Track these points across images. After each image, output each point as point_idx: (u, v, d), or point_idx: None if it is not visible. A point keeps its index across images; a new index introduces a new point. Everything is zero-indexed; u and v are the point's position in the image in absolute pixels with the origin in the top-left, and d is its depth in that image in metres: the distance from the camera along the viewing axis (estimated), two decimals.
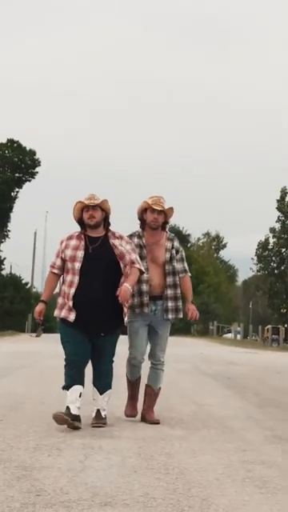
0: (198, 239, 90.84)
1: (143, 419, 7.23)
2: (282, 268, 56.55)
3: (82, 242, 6.95)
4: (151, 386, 7.33)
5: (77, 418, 6.59)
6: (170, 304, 7.26)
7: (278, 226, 57.65)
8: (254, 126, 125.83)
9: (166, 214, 7.30)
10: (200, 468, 5.14)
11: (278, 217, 57.47)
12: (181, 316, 7.32)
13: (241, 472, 5.08)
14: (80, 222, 7.07)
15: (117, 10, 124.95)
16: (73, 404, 6.63)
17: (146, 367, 7.41)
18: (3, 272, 57.19)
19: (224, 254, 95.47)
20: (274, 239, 57.59)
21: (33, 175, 57.21)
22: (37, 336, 7.58)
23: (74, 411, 6.59)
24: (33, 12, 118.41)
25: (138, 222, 7.38)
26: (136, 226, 7.46)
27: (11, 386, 10.46)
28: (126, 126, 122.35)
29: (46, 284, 7.21)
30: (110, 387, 6.93)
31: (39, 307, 7.01)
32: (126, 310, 6.96)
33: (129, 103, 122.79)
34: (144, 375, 7.43)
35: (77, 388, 6.67)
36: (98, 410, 6.86)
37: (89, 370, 6.91)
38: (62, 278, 7.06)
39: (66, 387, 6.73)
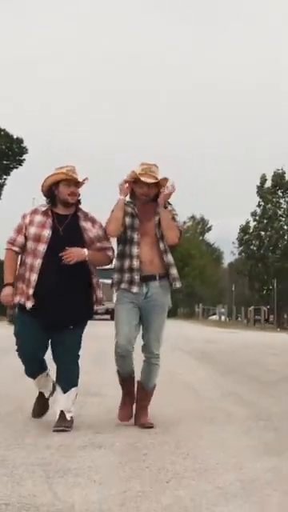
0: (184, 223, 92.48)
1: (135, 423, 6.25)
2: (262, 251, 58.53)
3: (49, 220, 6.03)
4: (143, 383, 6.30)
5: (52, 394, 6.34)
6: (173, 271, 6.22)
7: (259, 210, 59.65)
8: (241, 111, 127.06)
9: (160, 185, 6.16)
10: (168, 413, 6.88)
11: (259, 202, 59.44)
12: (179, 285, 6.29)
13: (194, 413, 6.90)
14: (48, 195, 6.11)
15: None
16: (44, 388, 6.31)
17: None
18: None
19: (209, 236, 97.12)
20: (255, 223, 59.58)
21: (20, 162, 58.29)
22: (10, 321, 7.04)
23: (47, 395, 6.36)
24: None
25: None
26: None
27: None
28: (115, 112, 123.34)
29: (6, 264, 6.14)
30: (75, 384, 6.08)
31: (7, 290, 6.06)
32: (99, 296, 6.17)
33: (118, 87, 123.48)
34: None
35: (42, 375, 6.24)
36: (62, 412, 6.00)
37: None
38: (19, 258, 6.18)
39: (30, 377, 6.26)
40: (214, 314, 66.37)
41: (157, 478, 4.46)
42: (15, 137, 57.68)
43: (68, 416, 6.00)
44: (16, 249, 6.10)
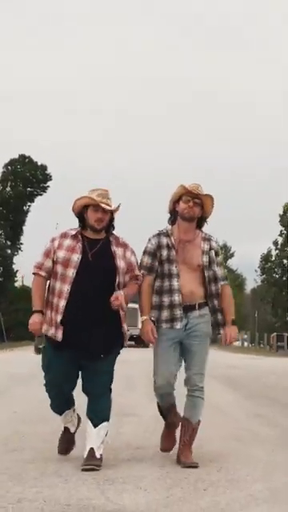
0: None
1: (178, 460, 5.86)
2: (284, 278, 59.01)
3: (79, 244, 5.79)
4: (188, 418, 5.91)
5: (77, 428, 6.08)
6: (221, 317, 6.05)
7: (280, 239, 60.11)
8: (263, 135, 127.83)
9: (204, 206, 6.05)
10: (200, 432, 7.29)
11: (281, 231, 59.82)
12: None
13: (223, 432, 7.50)
14: (79, 217, 5.90)
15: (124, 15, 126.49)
16: (70, 423, 6.02)
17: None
18: (16, 284, 58.93)
19: (232, 262, 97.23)
20: (277, 251, 60.09)
21: (44, 189, 59.19)
22: (39, 353, 6.01)
23: (72, 430, 6.06)
24: (44, 23, 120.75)
25: (168, 215, 6.14)
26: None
27: None
28: (134, 138, 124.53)
29: (33, 290, 5.86)
30: (106, 419, 5.72)
31: (35, 318, 5.73)
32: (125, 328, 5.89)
33: (137, 113, 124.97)
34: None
35: (69, 411, 5.99)
36: (92, 449, 5.62)
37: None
38: (48, 284, 5.90)
39: (57, 413, 6.05)
40: (237, 340, 66.59)
41: (195, 486, 5.08)
42: (39, 164, 58.69)
43: (97, 454, 5.60)
44: (43, 273, 5.83)
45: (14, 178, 58.05)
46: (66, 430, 6.06)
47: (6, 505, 4.51)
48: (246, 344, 60.16)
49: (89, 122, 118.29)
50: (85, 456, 5.61)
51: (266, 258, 60.64)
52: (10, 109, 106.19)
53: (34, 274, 5.86)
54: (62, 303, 5.65)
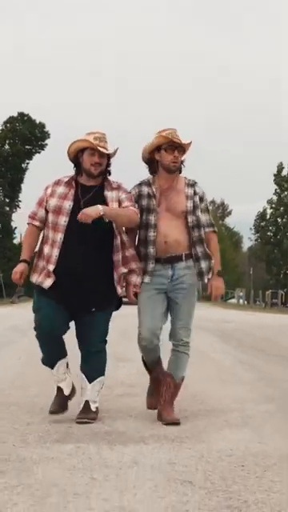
0: None
1: (159, 417, 5.65)
2: (278, 236, 60.05)
3: (72, 191, 5.57)
4: (171, 374, 5.75)
5: (70, 395, 5.73)
6: (204, 265, 5.74)
7: (275, 198, 61.18)
8: (258, 97, 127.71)
9: (185, 150, 5.75)
10: (187, 374, 8.26)
11: (275, 190, 60.85)
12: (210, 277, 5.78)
13: (208, 374, 8.33)
14: (75, 161, 5.67)
15: None
16: (63, 382, 5.67)
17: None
18: (14, 241, 59.70)
19: (229, 221, 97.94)
20: (271, 210, 61.18)
21: (42, 147, 59.72)
22: (12, 302, 6.15)
23: (66, 391, 5.68)
24: None
25: (146, 166, 5.83)
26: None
27: None
28: (134, 97, 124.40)
29: (24, 239, 5.82)
30: (102, 373, 5.68)
31: (20, 267, 5.55)
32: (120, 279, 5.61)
33: (133, 72, 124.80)
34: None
35: (61, 363, 5.64)
36: (87, 402, 5.58)
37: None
38: (42, 233, 5.72)
39: (48, 365, 5.72)
40: (233, 297, 67.52)
41: (179, 414, 5.87)
42: (38, 122, 59.08)
43: (93, 407, 5.58)
44: (36, 223, 5.66)
45: (13, 136, 58.54)
46: (59, 391, 5.68)
47: (17, 427, 5.34)
48: (241, 301, 61.07)
49: (90, 83, 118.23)
50: (80, 409, 5.58)
51: (261, 217, 61.63)
52: (11, 69, 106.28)
53: (27, 223, 5.74)
54: (55, 252, 5.46)
